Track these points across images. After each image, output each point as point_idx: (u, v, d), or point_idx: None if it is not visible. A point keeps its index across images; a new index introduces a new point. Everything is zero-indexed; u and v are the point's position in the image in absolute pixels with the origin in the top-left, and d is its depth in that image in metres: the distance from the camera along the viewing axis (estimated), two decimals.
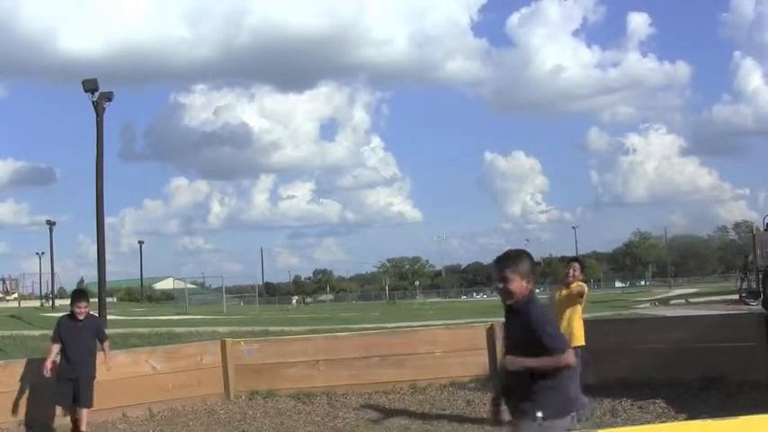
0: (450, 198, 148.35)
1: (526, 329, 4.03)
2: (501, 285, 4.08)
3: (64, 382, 8.44)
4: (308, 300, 79.37)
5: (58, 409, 8.86)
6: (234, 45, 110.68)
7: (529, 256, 4.16)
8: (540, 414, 3.91)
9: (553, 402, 3.96)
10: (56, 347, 8.52)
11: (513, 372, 4.08)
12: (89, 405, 8.47)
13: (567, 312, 7.95)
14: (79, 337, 8.50)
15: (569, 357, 4.00)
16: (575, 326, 7.92)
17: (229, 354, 10.30)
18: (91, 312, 9.04)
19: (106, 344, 8.79)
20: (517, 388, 4.08)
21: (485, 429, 8.34)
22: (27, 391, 8.96)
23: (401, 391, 10.06)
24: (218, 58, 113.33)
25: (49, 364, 8.41)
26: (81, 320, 8.54)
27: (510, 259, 4.10)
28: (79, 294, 8.89)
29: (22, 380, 9.01)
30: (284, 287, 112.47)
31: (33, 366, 9.31)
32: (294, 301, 75.34)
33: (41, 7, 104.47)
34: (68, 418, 8.74)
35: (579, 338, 7.92)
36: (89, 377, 8.50)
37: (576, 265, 8.24)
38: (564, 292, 8.08)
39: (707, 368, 8.91)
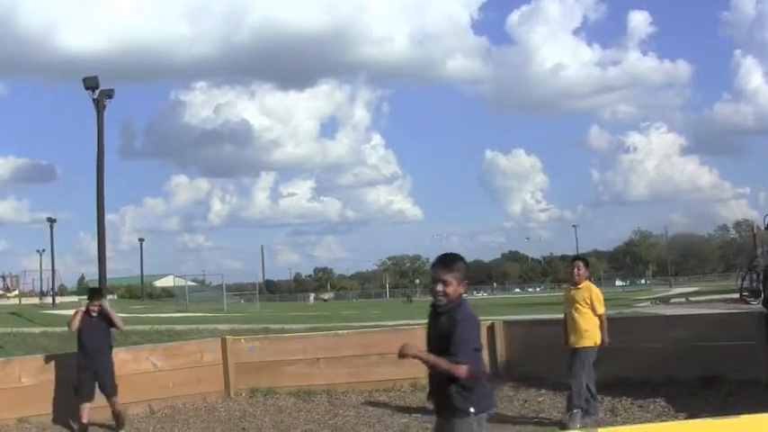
0: (450, 196, 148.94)
1: (450, 330, 4.16)
2: (441, 288, 4.17)
3: (86, 374, 8.84)
4: (327, 296, 79.14)
5: (60, 406, 8.93)
6: (234, 42, 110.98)
7: (465, 261, 4.33)
8: (472, 409, 4.16)
9: (481, 398, 4.23)
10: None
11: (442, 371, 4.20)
12: (115, 393, 8.88)
13: (579, 312, 7.95)
14: (95, 331, 8.97)
15: (462, 371, 4.09)
16: (588, 325, 7.92)
17: (230, 351, 10.30)
18: (103, 308, 9.38)
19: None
20: (447, 385, 4.19)
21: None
22: (27, 388, 8.98)
23: (401, 389, 10.06)
24: (218, 55, 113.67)
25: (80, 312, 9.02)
26: (94, 316, 9.01)
27: (451, 263, 4.23)
28: (94, 293, 9.48)
29: (21, 377, 9.03)
30: (285, 285, 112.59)
31: (33, 363, 9.34)
32: (311, 298, 75.24)
33: (42, 4, 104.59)
34: (71, 414, 8.84)
35: (592, 338, 7.92)
36: (108, 369, 8.93)
37: (580, 263, 8.22)
38: (572, 291, 8.08)
39: (707, 367, 8.90)
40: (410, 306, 45.37)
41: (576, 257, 8.72)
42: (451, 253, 4.34)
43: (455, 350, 4.09)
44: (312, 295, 78.54)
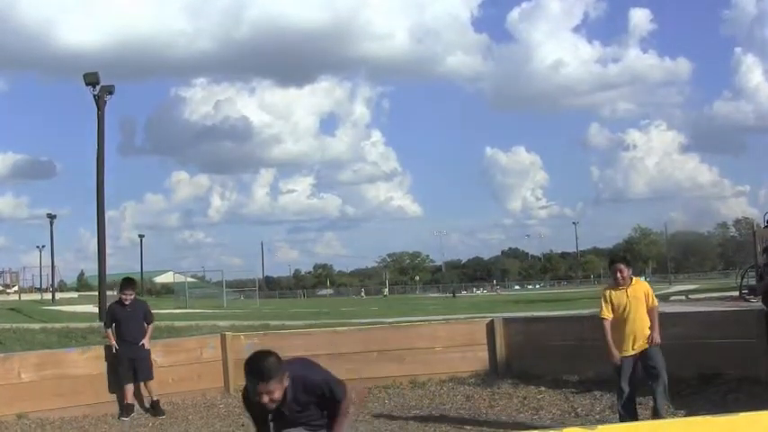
0: (450, 193, 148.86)
1: (311, 402, 4.26)
2: (267, 398, 3.99)
3: (124, 363, 9.28)
4: (386, 292, 79.67)
5: (60, 402, 8.91)
6: (234, 38, 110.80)
7: (276, 355, 4.07)
8: None
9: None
10: (110, 331, 9.50)
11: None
12: (151, 377, 9.38)
13: (634, 315, 7.37)
14: (131, 320, 9.45)
15: (351, 398, 4.42)
16: (646, 328, 7.41)
17: (229, 348, 10.29)
18: (138, 298, 10.02)
19: (150, 326, 9.68)
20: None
21: (484, 425, 8.36)
22: (26, 384, 8.98)
23: (401, 386, 10.06)
24: (218, 51, 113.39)
25: (114, 344, 9.39)
26: (129, 305, 9.46)
27: (266, 374, 3.97)
28: (126, 283, 9.87)
29: (21, 373, 9.02)
30: (284, 281, 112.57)
31: (33, 359, 9.34)
32: (363, 292, 75.68)
33: None
34: (70, 411, 8.79)
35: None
36: (146, 355, 9.42)
37: (620, 266, 7.46)
38: (628, 290, 7.40)
39: (706, 365, 8.89)
40: (408, 302, 45.49)
41: (614, 259, 7.74)
42: (263, 357, 4.05)
43: (339, 395, 4.31)
44: (363, 290, 79.06)
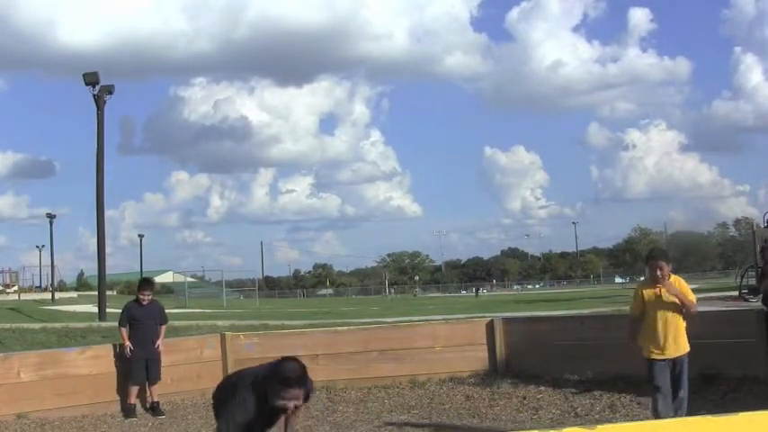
0: (450, 193, 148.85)
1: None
2: (293, 403, 4.39)
3: (138, 362, 9.33)
4: (416, 291, 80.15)
5: (60, 402, 8.91)
6: (233, 38, 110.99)
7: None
8: None
9: None
10: (125, 331, 9.50)
11: None
12: (159, 378, 9.45)
13: (665, 317, 6.79)
14: (147, 320, 9.53)
15: None
16: (680, 334, 6.82)
17: (229, 348, 10.29)
18: (154, 298, 10.05)
19: (163, 327, 9.71)
20: None
21: (484, 425, 8.36)
22: (26, 384, 8.97)
23: (400, 386, 10.06)
24: (217, 51, 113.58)
25: (128, 344, 9.37)
26: (146, 306, 9.56)
27: (306, 380, 4.43)
28: (144, 283, 10.18)
29: (20, 373, 9.01)
30: (284, 281, 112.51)
31: (32, 359, 9.33)
32: (391, 292, 76.26)
33: None
34: (70, 411, 8.76)
35: (687, 344, 6.87)
36: (158, 356, 9.51)
37: (660, 263, 6.84)
38: (663, 291, 6.81)
39: (706, 364, 8.88)
40: (412, 301, 45.49)
41: (654, 254, 7.14)
42: (298, 366, 4.45)
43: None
44: (393, 290, 79.70)
